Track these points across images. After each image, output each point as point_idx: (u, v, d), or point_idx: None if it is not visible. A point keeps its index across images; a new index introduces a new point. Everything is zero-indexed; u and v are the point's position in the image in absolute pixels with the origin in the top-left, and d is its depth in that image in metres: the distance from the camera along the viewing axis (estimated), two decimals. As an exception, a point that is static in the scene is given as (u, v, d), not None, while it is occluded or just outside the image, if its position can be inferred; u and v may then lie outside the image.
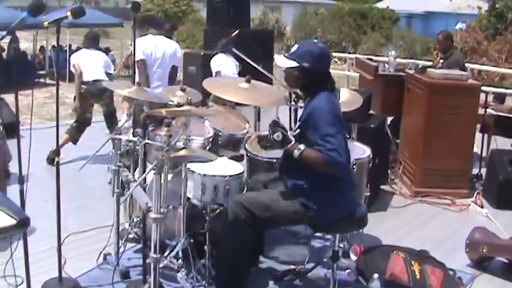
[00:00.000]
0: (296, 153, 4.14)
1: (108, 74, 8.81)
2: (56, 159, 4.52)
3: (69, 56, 10.01)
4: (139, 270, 4.87)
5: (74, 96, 8.97)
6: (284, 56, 4.38)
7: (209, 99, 8.11)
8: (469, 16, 28.90)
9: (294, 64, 4.27)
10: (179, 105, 4.93)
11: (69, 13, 4.52)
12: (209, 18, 15.06)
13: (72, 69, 8.82)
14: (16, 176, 4.14)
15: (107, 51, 21.22)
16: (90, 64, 8.75)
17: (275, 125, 4.25)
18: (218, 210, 4.78)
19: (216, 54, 10.28)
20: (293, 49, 4.38)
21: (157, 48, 7.39)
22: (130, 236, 5.34)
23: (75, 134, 8.60)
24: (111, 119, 8.85)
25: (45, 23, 4.58)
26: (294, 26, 39.11)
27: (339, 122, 4.19)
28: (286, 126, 5.83)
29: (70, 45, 20.64)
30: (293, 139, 4.26)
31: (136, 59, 6.65)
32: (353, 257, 5.21)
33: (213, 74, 10.15)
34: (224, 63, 10.11)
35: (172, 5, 47.11)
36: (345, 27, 34.93)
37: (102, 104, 8.84)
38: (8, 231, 3.14)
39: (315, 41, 4.67)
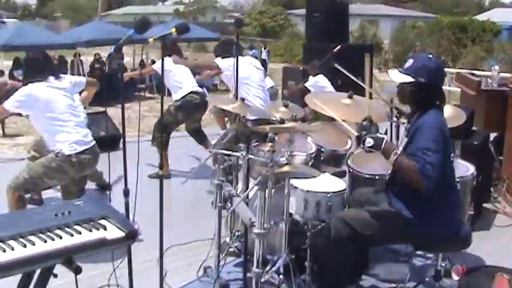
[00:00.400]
0: (392, 157, 4.06)
1: None
2: (160, 172, 4.61)
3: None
4: (239, 284, 4.92)
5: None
6: (399, 70, 4.33)
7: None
8: None
9: (409, 79, 4.22)
10: (282, 121, 4.95)
11: (173, 29, 4.61)
12: (308, 32, 15.09)
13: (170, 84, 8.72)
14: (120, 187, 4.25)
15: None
16: (190, 76, 8.74)
17: (358, 138, 4.20)
18: (320, 226, 4.77)
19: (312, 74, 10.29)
20: (408, 64, 4.31)
21: (255, 67, 7.49)
22: (231, 249, 5.39)
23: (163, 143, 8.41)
24: (199, 133, 8.87)
25: (150, 40, 4.69)
26: (391, 40, 38.78)
27: (444, 140, 4.12)
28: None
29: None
30: (384, 136, 4.20)
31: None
32: (455, 277, 5.10)
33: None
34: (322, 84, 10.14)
35: (269, 20, 47.52)
36: (444, 41, 34.34)
37: (199, 118, 8.91)
38: (117, 243, 3.21)
39: (430, 56, 4.61)
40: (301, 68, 12.88)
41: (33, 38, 20.88)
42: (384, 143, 4.09)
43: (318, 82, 10.28)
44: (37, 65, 5.81)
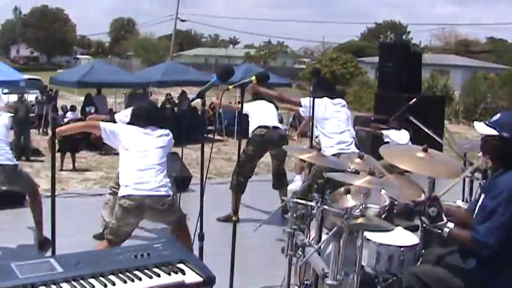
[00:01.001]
0: (445, 230, 4.10)
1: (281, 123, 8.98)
2: (234, 218, 4.67)
3: (238, 112, 10.19)
4: (308, 334, 4.91)
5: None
6: (485, 123, 4.30)
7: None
8: None
9: (494, 132, 4.19)
10: (357, 172, 4.96)
11: (253, 78, 4.70)
12: (380, 81, 15.11)
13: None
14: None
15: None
16: (267, 111, 8.89)
17: (434, 200, 4.23)
18: (391, 280, 4.75)
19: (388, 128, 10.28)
20: (495, 118, 4.27)
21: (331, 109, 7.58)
22: (301, 298, 5.38)
23: (241, 188, 8.58)
24: (281, 178, 8.94)
25: (231, 87, 4.80)
26: (462, 91, 38.42)
27: None
28: (459, 197, 5.78)
29: (239, 102, 21.32)
30: (445, 219, 4.19)
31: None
32: None
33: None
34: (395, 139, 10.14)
35: (340, 67, 47.64)
36: (517, 93, 33.91)
37: (276, 154, 8.94)
38: (194, 289, 3.26)
39: None
40: (372, 118, 12.87)
41: (105, 76, 21.42)
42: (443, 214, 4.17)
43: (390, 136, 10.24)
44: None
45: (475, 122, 4.43)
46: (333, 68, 47.73)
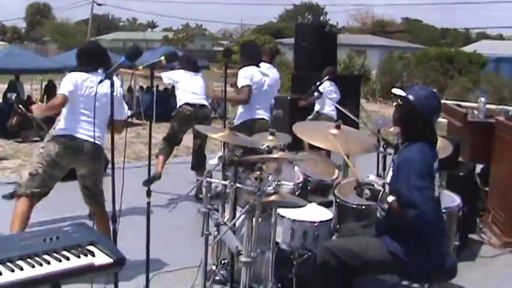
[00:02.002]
0: (384, 207, 4.21)
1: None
2: (147, 199, 4.62)
3: (156, 96, 10.10)
4: (225, 312, 4.91)
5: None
6: (398, 88, 4.46)
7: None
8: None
9: (402, 93, 4.32)
10: (270, 149, 4.98)
11: (163, 58, 4.65)
12: (296, 62, 15.15)
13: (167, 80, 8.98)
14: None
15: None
16: (195, 85, 8.84)
17: (358, 186, 4.31)
18: (306, 256, 4.78)
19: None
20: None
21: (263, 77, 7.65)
22: (217, 277, 5.37)
23: (169, 151, 8.83)
24: (200, 159, 8.92)
25: (140, 67, 4.74)
26: (379, 70, 38.97)
27: (430, 175, 4.19)
28: (374, 172, 5.86)
29: (157, 86, 21.08)
30: (381, 188, 4.28)
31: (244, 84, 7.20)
32: (441, 308, 5.12)
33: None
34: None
35: (258, 48, 47.65)
36: (431, 72, 34.54)
37: (198, 133, 8.86)
38: (104, 270, 3.21)
39: (431, 88, 4.72)
40: (289, 98, 12.92)
41: (22, 62, 20.90)
42: (380, 195, 4.22)
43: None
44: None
45: (393, 89, 4.55)
46: (251, 50, 47.78)
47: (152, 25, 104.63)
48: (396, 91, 4.41)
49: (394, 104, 4.51)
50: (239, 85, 7.76)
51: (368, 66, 38.74)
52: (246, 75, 7.73)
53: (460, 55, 37.86)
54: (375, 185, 4.36)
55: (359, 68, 36.62)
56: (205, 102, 8.84)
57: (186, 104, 8.65)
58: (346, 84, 13.38)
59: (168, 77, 8.75)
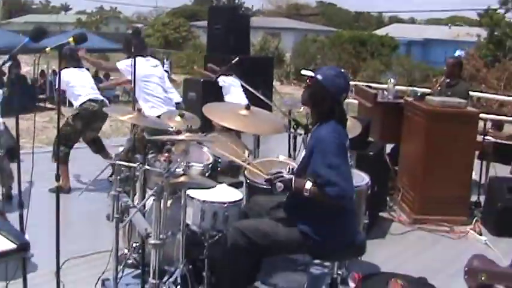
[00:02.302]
0: (305, 195, 4.18)
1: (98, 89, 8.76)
2: (56, 184, 4.53)
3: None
4: (137, 295, 4.87)
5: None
6: (307, 69, 4.49)
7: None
8: (468, 44, 29.13)
9: (311, 74, 4.36)
10: (178, 131, 4.95)
11: (71, 39, 4.55)
12: (209, 44, 15.10)
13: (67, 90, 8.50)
14: (17, 199, 4.16)
15: (106, 77, 21.32)
16: (88, 81, 8.63)
17: (269, 181, 4.33)
18: (217, 237, 4.78)
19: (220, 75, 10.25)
20: None
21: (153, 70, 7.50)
22: (129, 261, 5.33)
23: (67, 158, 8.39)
24: (97, 143, 8.81)
25: (47, 49, 4.62)
26: (293, 53, 39.27)
27: (344, 152, 4.24)
28: (285, 153, 5.90)
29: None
30: (292, 176, 4.30)
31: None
32: (351, 285, 5.21)
33: (224, 90, 10.16)
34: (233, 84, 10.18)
35: (172, 31, 47.44)
36: (344, 54, 35.07)
37: (95, 127, 8.79)
38: (8, 256, 3.15)
39: (338, 68, 4.77)
40: (201, 80, 12.88)
41: None
42: (293, 183, 4.22)
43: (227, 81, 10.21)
44: None
45: (303, 70, 4.60)
46: (165, 33, 47.51)
47: (65, 8, 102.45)
48: (305, 72, 4.47)
49: (303, 85, 4.53)
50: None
51: (282, 49, 39.00)
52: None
53: (373, 38, 38.61)
54: (283, 173, 4.36)
55: (273, 51, 36.82)
56: (102, 98, 8.70)
57: (91, 100, 8.38)
58: (259, 66, 13.45)
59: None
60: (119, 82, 9.60)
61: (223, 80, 10.01)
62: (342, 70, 4.67)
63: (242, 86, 6.77)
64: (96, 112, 8.32)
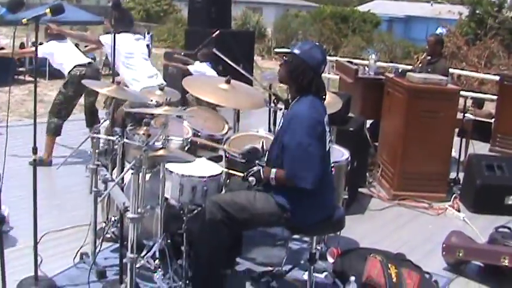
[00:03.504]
0: (272, 182, 4.26)
1: None
2: (33, 157, 4.49)
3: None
4: (116, 270, 4.86)
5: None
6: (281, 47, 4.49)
7: (190, 98, 8.05)
8: (450, 21, 29.11)
9: (287, 50, 4.34)
10: (158, 104, 4.91)
11: (47, 10, 4.50)
12: (190, 18, 14.96)
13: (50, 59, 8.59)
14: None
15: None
16: (72, 49, 8.60)
17: (243, 178, 4.42)
18: (196, 211, 4.75)
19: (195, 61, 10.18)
20: None
21: (134, 44, 7.40)
22: (108, 235, 5.31)
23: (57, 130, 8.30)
24: (92, 117, 8.76)
25: (24, 20, 4.56)
26: (274, 28, 39.14)
27: (316, 131, 4.22)
28: (265, 127, 5.88)
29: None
30: (260, 167, 4.37)
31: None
32: (330, 260, 5.22)
33: None
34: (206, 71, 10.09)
35: (154, 4, 47.14)
36: (326, 30, 34.99)
37: (89, 99, 8.76)
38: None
39: (313, 41, 4.78)
40: (182, 53, 12.78)
41: None
42: (261, 173, 4.30)
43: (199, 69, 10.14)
44: None
45: (276, 49, 4.58)
46: (146, 6, 47.16)
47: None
48: (279, 50, 4.47)
49: (279, 63, 4.50)
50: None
51: (264, 24, 38.86)
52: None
53: (355, 14, 38.57)
54: (257, 147, 4.41)
55: (254, 25, 36.68)
56: (90, 59, 8.65)
57: (78, 65, 8.30)
58: (240, 40, 13.35)
59: (43, 52, 8.36)
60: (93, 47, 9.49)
61: (195, 70, 9.95)
62: (317, 43, 4.68)
63: (221, 60, 6.69)
64: (85, 75, 8.23)
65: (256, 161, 4.46)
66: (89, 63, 8.49)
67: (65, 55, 8.42)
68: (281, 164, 4.24)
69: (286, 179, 4.18)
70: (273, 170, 4.24)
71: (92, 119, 8.73)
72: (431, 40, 9.32)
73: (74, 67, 8.29)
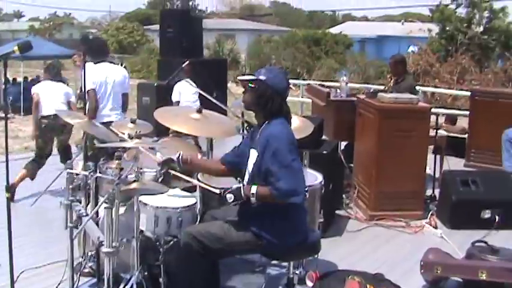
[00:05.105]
0: (252, 200, 4.24)
1: (69, 104, 8.75)
2: (6, 195, 4.46)
3: (23, 88, 9.70)
4: (95, 305, 4.84)
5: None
6: (244, 74, 4.51)
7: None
8: (421, 39, 29.41)
9: (252, 77, 4.39)
10: (130, 137, 4.92)
11: (15, 48, 4.50)
12: (162, 48, 15.03)
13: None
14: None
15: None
16: (51, 97, 8.57)
17: (220, 198, 4.38)
18: (172, 242, 4.76)
19: (175, 82, 10.20)
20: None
21: (108, 76, 7.41)
22: (86, 270, 5.29)
23: (33, 169, 8.41)
24: (65, 153, 8.76)
25: (-8, 58, 4.56)
26: (248, 54, 39.32)
27: (295, 148, 4.29)
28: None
29: (26, 78, 20.45)
30: (240, 185, 4.38)
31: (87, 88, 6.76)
32: (309, 283, 5.23)
33: (174, 103, 10.13)
34: (183, 92, 10.11)
35: (126, 36, 47.23)
36: (299, 54, 35.17)
37: (61, 139, 8.74)
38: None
39: (275, 67, 4.83)
40: (155, 84, 12.83)
41: None
42: (242, 191, 4.28)
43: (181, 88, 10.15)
44: None
45: (239, 77, 4.61)
46: (119, 38, 47.27)
47: (18, 15, 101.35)
48: (243, 77, 4.50)
49: (243, 91, 4.53)
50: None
51: (237, 50, 39.00)
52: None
53: (327, 36, 38.84)
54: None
55: (228, 52, 36.81)
56: (62, 107, 8.64)
57: (44, 117, 8.46)
58: (212, 68, 13.42)
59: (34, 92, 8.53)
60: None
61: (179, 91, 10.03)
62: (279, 67, 4.72)
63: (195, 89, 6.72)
64: (47, 128, 8.46)
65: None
66: (55, 115, 8.42)
67: (43, 99, 8.54)
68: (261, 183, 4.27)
69: (272, 195, 4.17)
70: (254, 187, 4.24)
71: (65, 155, 8.70)
72: (391, 62, 9.54)
73: (41, 117, 8.48)
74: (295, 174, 4.16)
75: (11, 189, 7.63)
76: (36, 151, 8.65)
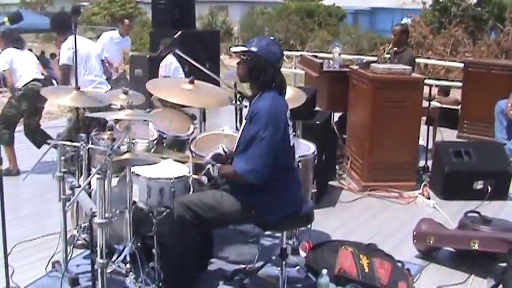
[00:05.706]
0: (219, 181, 4.41)
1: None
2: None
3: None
4: (88, 276, 4.83)
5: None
6: (236, 45, 4.49)
7: (154, 99, 7.98)
8: (414, 11, 29.26)
9: (244, 49, 4.35)
10: (122, 108, 4.90)
11: (5, 19, 4.47)
12: (154, 20, 14.93)
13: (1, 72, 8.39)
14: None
15: (53, 57, 21.03)
16: (31, 61, 8.45)
17: (200, 183, 4.53)
18: (165, 213, 4.75)
19: (163, 56, 10.14)
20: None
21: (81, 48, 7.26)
22: (79, 242, 5.30)
23: (10, 140, 8.14)
24: (41, 135, 8.40)
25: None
26: (241, 26, 39.15)
27: (279, 125, 4.24)
28: (232, 125, 5.89)
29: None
30: (208, 165, 4.45)
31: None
32: (302, 254, 5.25)
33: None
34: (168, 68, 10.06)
35: (119, 8, 46.93)
36: (292, 26, 35.03)
37: (40, 108, 8.51)
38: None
39: (267, 37, 4.80)
40: (147, 56, 12.77)
41: None
42: (212, 171, 4.42)
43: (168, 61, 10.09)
44: None
45: (232, 47, 4.59)
46: (111, 10, 46.97)
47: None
48: (235, 48, 4.47)
49: (237, 62, 4.50)
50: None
51: (230, 22, 38.85)
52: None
53: (320, 8, 38.63)
54: (219, 153, 4.51)
55: (221, 24, 36.68)
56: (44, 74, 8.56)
57: (35, 80, 8.20)
58: (205, 40, 13.36)
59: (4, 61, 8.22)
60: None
61: (165, 64, 9.97)
62: (272, 38, 4.70)
63: (186, 61, 6.67)
64: (40, 91, 8.13)
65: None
66: (44, 78, 8.38)
67: (23, 65, 8.27)
68: None
69: (234, 174, 4.23)
70: (217, 167, 4.35)
71: (42, 137, 8.21)
72: (397, 30, 9.34)
73: (32, 81, 8.19)
74: (259, 155, 4.16)
75: (16, 173, 7.68)
76: (10, 116, 8.23)
